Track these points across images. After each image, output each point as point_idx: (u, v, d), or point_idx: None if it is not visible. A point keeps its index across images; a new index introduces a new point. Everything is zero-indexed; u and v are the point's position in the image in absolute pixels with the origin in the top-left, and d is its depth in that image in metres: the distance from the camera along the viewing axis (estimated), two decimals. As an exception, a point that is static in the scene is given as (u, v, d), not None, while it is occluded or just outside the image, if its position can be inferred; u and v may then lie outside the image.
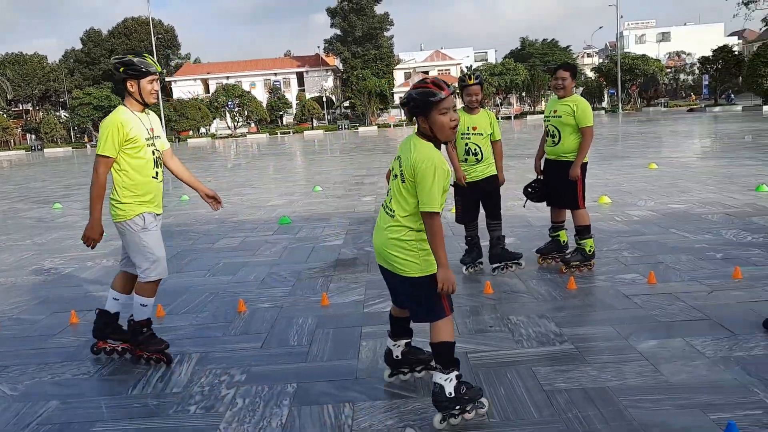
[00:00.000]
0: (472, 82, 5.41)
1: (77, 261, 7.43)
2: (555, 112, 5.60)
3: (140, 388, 3.73)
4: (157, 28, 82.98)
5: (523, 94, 76.84)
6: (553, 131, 5.62)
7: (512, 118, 66.30)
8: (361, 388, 3.54)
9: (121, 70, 3.99)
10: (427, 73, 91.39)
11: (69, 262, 7.43)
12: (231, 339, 4.48)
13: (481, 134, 5.56)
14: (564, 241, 5.91)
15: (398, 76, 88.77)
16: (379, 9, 78.17)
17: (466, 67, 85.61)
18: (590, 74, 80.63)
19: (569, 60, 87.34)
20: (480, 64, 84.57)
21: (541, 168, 5.94)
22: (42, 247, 8.53)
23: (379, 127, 65.92)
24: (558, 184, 5.66)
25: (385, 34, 79.34)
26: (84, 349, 4.42)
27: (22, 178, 23.38)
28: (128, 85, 4.01)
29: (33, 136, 74.19)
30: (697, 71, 71.39)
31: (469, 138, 5.55)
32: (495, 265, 5.76)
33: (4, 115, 69.16)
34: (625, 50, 76.99)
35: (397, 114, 79.83)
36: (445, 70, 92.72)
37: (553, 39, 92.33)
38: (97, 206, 3.85)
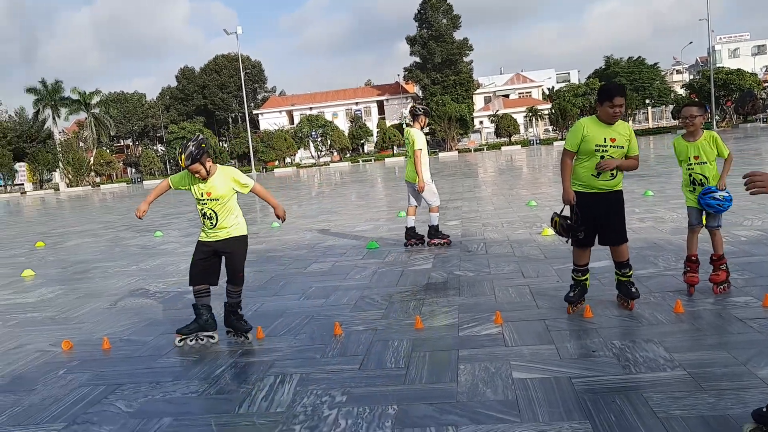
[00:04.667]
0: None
1: (179, 285, 7.77)
2: (614, 141, 4.89)
3: (246, 406, 3.83)
4: (245, 64, 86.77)
5: (609, 114, 74.61)
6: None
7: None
8: (463, 411, 3.49)
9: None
10: (507, 96, 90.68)
11: (172, 286, 7.78)
12: (329, 361, 4.54)
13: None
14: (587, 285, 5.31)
15: (478, 101, 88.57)
16: (458, 35, 78.47)
17: (548, 89, 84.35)
18: (681, 91, 77.61)
19: (657, 77, 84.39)
20: (562, 85, 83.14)
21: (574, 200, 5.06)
22: (147, 272, 8.99)
23: (459, 152, 65.78)
24: (611, 218, 5.04)
25: (464, 59, 79.42)
26: (192, 368, 4.60)
27: (124, 209, 24.84)
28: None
29: (133, 169, 79.01)
30: (798, 84, 67.34)
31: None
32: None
33: (108, 151, 74.02)
34: (718, 65, 73.66)
35: (477, 138, 79.50)
36: (526, 92, 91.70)
37: (639, 57, 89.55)
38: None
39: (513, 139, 71.73)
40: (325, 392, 3.94)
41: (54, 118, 73.45)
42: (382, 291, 6.53)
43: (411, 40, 78.77)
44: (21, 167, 74.91)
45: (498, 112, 76.97)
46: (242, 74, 68.67)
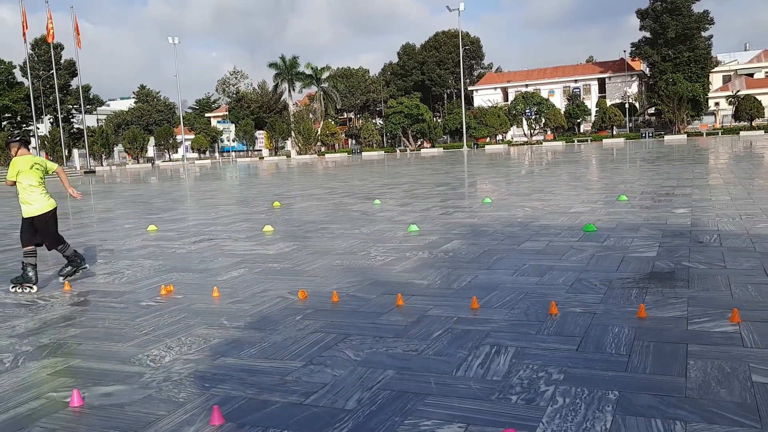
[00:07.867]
0: None
1: (397, 251, 8.21)
2: None
3: (463, 370, 3.98)
4: (464, 41, 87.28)
5: None
6: None
7: None
8: (692, 408, 3.28)
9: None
10: (751, 75, 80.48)
11: (390, 251, 8.26)
12: (545, 338, 4.52)
13: None
14: None
15: (715, 80, 79.91)
16: (696, 7, 71.15)
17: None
18: None
19: None
20: (825, 62, 71.56)
21: None
22: (367, 236, 9.63)
23: (688, 135, 60.08)
24: None
25: (703, 34, 71.85)
26: (411, 329, 4.89)
27: (346, 177, 26.71)
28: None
29: (354, 141, 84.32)
30: None
31: None
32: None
33: (333, 122, 79.91)
34: None
35: (710, 121, 71.96)
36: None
37: None
38: None
39: (755, 123, 63.65)
40: (542, 368, 3.95)
41: (289, 91, 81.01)
42: (600, 275, 6.30)
43: (642, 14, 73.17)
44: (260, 135, 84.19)
45: (738, 93, 68.72)
46: (461, 51, 69.36)
